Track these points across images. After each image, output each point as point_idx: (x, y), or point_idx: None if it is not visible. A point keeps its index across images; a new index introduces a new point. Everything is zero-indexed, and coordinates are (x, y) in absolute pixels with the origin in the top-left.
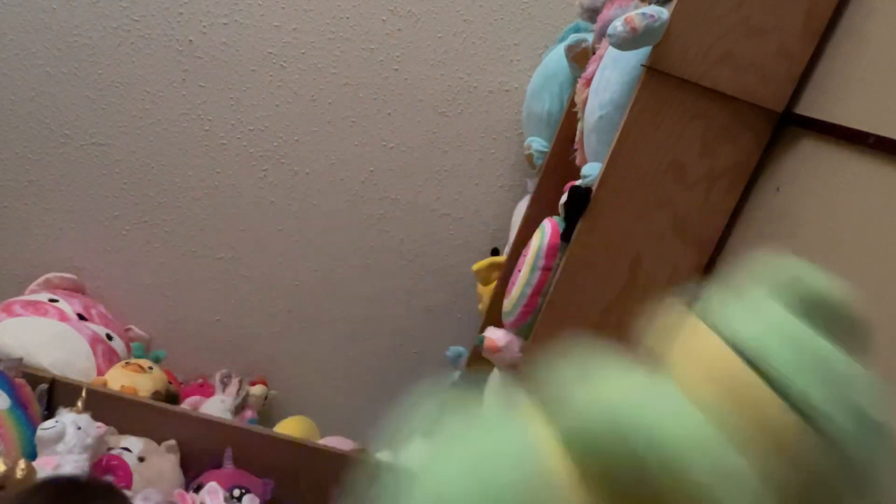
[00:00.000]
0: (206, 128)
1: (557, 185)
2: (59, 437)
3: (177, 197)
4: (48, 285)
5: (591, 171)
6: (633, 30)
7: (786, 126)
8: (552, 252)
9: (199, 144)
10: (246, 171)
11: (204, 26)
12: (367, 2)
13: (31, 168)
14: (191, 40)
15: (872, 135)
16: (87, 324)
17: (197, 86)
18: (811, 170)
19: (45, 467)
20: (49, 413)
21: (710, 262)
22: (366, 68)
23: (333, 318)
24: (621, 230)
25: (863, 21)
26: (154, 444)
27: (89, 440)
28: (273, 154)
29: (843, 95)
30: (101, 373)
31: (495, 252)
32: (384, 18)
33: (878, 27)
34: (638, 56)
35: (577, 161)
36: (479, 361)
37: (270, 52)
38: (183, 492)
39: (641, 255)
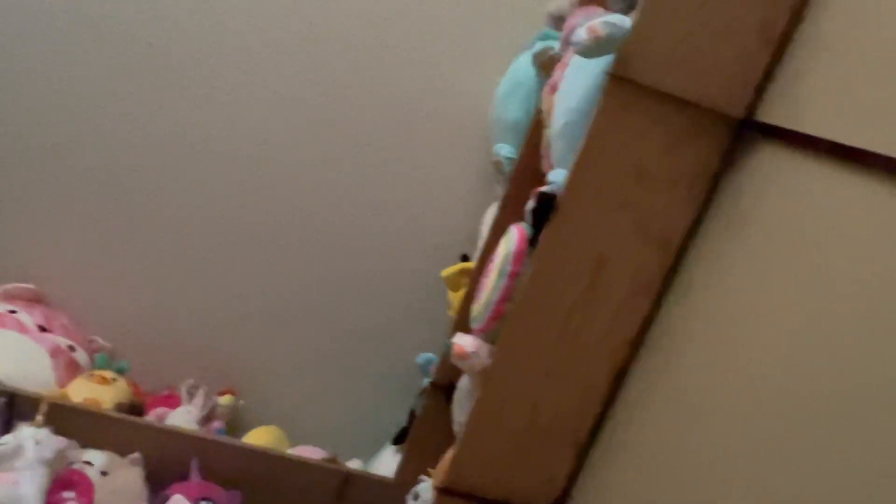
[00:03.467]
0: (174, 129)
1: (526, 192)
2: (17, 453)
3: (142, 202)
4: (6, 296)
5: (556, 177)
6: (597, 38)
7: (745, 132)
8: (519, 258)
9: (166, 146)
10: (213, 174)
11: (174, 24)
12: (337, 5)
13: None
14: (157, 37)
15: (827, 141)
16: (47, 335)
17: (163, 85)
18: (769, 175)
19: (3, 484)
20: (8, 427)
21: (673, 264)
22: (336, 70)
23: (302, 327)
24: (586, 233)
25: (819, 29)
26: (118, 457)
27: (48, 454)
28: (241, 156)
29: (800, 102)
30: (62, 385)
31: (465, 258)
32: (355, 21)
33: (834, 35)
34: (602, 63)
35: (543, 167)
36: (449, 368)
37: (241, 52)
38: None
39: (605, 256)
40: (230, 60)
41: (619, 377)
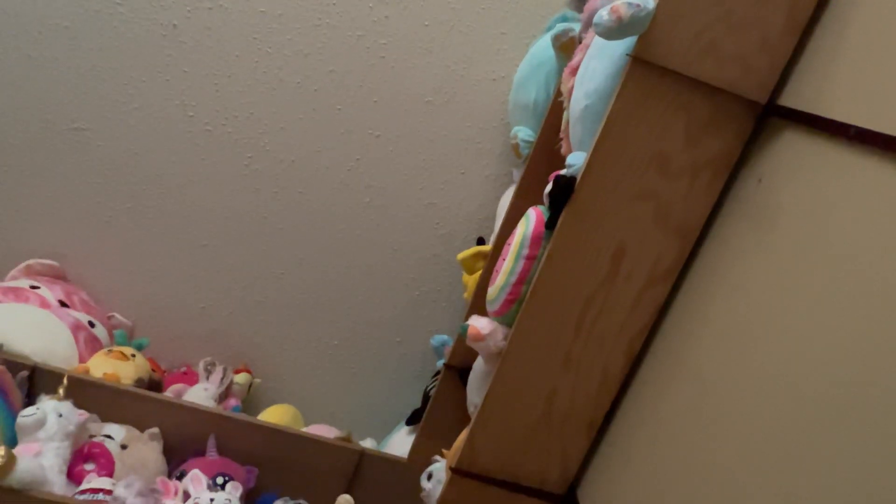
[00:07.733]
0: (190, 114)
1: (543, 175)
2: (40, 425)
3: (160, 183)
4: (29, 272)
5: (575, 160)
6: (619, 19)
7: (768, 117)
8: (536, 241)
9: (182, 130)
10: (230, 158)
11: (188, 11)
12: None
13: (10, 153)
14: (175, 25)
15: (853, 126)
16: (68, 311)
17: (181, 71)
18: (793, 161)
19: (26, 455)
20: (30, 400)
21: (692, 252)
22: (352, 56)
23: (318, 307)
24: (605, 219)
25: (845, 13)
26: (137, 431)
27: (71, 427)
28: (258, 141)
29: (825, 87)
30: (83, 360)
31: (481, 241)
32: (371, 6)
33: (860, 19)
34: (623, 46)
35: (563, 151)
36: (463, 350)
37: (255, 38)
38: (165, 479)
39: (624, 244)
40: (247, 45)
41: (635, 363)
